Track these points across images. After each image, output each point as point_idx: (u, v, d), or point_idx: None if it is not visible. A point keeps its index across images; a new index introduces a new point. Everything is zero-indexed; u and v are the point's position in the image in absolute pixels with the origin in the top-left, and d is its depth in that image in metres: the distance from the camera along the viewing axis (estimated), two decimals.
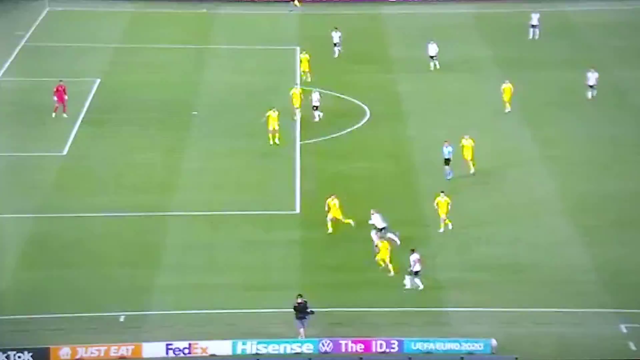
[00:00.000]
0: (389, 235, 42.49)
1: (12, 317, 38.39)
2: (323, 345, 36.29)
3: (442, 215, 44.05)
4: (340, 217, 43.73)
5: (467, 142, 48.71)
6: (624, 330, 37.68)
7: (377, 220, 42.83)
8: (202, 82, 61.34)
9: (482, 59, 65.07)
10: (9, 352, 35.66)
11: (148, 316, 38.60)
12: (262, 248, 43.15)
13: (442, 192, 44.51)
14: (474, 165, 48.78)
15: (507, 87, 55.88)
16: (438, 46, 61.91)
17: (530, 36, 67.66)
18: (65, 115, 55.17)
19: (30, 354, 35.75)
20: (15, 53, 65.03)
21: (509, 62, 64.15)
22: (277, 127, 51.90)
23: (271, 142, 51.85)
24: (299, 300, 37.08)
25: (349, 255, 42.67)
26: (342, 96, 59.25)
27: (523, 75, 61.72)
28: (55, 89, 55.35)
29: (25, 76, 60.51)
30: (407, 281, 40.31)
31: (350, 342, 36.33)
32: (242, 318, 38.24)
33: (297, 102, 54.64)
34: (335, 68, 63.22)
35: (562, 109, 57.42)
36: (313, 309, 37.06)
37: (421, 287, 40.19)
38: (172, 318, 38.50)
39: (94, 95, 59.06)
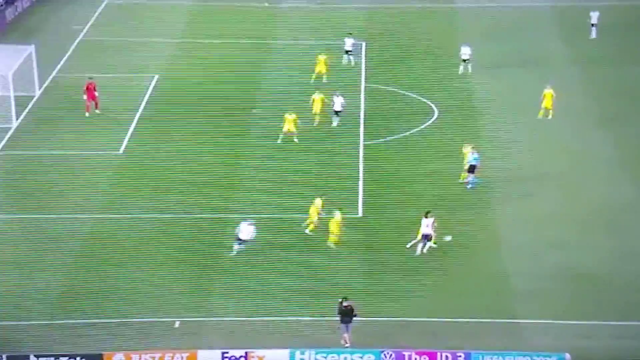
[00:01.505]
0: (241, 246, 41.76)
1: (66, 321, 38.66)
2: (385, 356, 35.93)
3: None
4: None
5: (466, 150, 47.69)
6: None
7: (242, 229, 42.06)
8: (263, 79, 61.24)
9: (556, 55, 64.06)
10: (61, 359, 35.86)
11: (204, 322, 38.56)
12: (323, 252, 42.84)
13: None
14: (464, 176, 47.66)
15: (548, 92, 54.04)
16: (472, 49, 60.14)
17: (592, 36, 65.99)
18: (97, 111, 55.31)
19: None
20: (72, 48, 65.60)
21: (584, 58, 63.09)
22: (294, 130, 51.73)
23: (279, 141, 51.78)
24: (345, 304, 36.90)
25: (413, 261, 42.20)
26: (409, 94, 58.76)
27: (604, 74, 60.73)
28: (85, 87, 55.56)
29: (83, 72, 60.83)
30: (419, 246, 41.65)
31: (414, 353, 35.93)
32: (301, 325, 38.05)
33: (317, 108, 53.82)
34: (401, 65, 62.60)
35: (637, 108, 56.09)
36: (356, 313, 37.00)
37: (420, 252, 41.32)
38: (228, 324, 38.42)
39: (152, 91, 59.33)
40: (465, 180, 47.49)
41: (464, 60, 59.98)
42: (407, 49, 65.19)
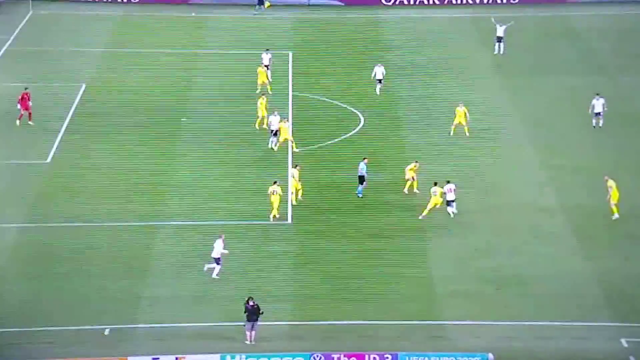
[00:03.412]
0: (219, 265, 41.86)
1: None
2: (314, 359, 36.49)
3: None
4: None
5: (412, 165, 48.62)
6: (625, 345, 38.00)
7: (214, 247, 41.90)
8: (192, 88, 61.42)
9: (481, 64, 65.14)
10: None
11: (135, 329, 38.75)
12: (254, 259, 43.33)
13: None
14: (415, 186, 48.57)
15: (461, 111, 54.32)
16: (385, 69, 59.85)
17: (496, 51, 65.48)
18: (31, 123, 55.12)
19: None
20: None
21: (509, 68, 64.28)
22: (290, 137, 52.43)
23: (275, 148, 52.78)
24: (251, 303, 37.67)
25: (343, 267, 42.92)
26: (336, 103, 59.45)
27: (524, 82, 62.00)
28: (20, 97, 55.26)
29: (8, 81, 60.53)
30: (449, 209, 46.05)
31: (342, 356, 36.57)
32: (233, 331, 38.37)
33: (262, 112, 54.52)
34: (328, 74, 63.18)
35: (564, 117, 57.52)
36: (262, 311, 37.79)
37: (452, 215, 45.99)
38: (160, 331, 38.68)
39: (79, 100, 59.13)
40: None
41: (379, 80, 59.88)
42: (333, 59, 65.78)
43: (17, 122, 55.30)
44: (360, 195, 48.36)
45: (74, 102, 58.79)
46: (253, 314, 37.61)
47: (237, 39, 69.21)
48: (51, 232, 45.44)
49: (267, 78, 59.79)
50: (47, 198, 48.46)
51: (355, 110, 58.30)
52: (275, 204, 45.77)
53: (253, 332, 37.71)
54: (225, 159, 52.42)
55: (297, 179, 47.67)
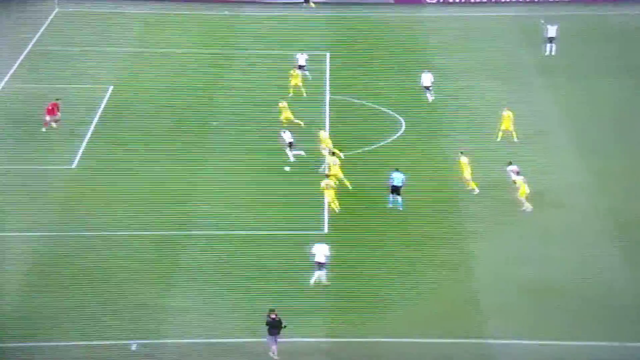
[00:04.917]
0: (322, 270, 41.63)
1: (16, 344, 38.20)
2: None
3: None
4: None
5: (464, 160, 48.57)
6: None
7: (317, 252, 41.71)
8: (222, 90, 61.06)
9: (526, 65, 64.34)
10: None
11: (162, 344, 38.33)
12: (288, 271, 42.65)
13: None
14: (475, 184, 48.41)
15: (506, 114, 53.65)
16: (433, 76, 59.22)
17: (547, 51, 64.72)
18: (54, 125, 54.84)
19: None
20: (22, 57, 65.07)
21: (559, 69, 63.46)
22: (330, 145, 51.80)
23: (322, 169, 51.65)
24: (272, 316, 37.35)
25: (380, 280, 42.24)
26: (376, 106, 58.82)
27: (567, 85, 61.29)
28: (50, 106, 54.94)
29: (33, 82, 60.52)
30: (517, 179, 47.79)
31: None
32: (262, 347, 37.78)
33: (286, 115, 54.51)
34: (368, 77, 62.57)
35: (605, 122, 56.69)
36: (285, 324, 37.49)
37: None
38: (188, 347, 38.25)
39: (107, 103, 58.88)
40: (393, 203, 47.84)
41: (427, 88, 59.04)
42: (372, 59, 65.06)
43: (44, 128, 54.98)
44: (401, 208, 47.33)
45: (100, 105, 58.63)
46: (274, 327, 37.27)
47: (272, 38, 68.94)
48: (75, 240, 45.08)
49: (301, 81, 59.38)
50: (72, 205, 48.15)
51: (396, 115, 57.53)
52: (331, 197, 46.41)
53: (275, 346, 37.37)
54: (257, 166, 51.86)
55: (339, 166, 48.25)
